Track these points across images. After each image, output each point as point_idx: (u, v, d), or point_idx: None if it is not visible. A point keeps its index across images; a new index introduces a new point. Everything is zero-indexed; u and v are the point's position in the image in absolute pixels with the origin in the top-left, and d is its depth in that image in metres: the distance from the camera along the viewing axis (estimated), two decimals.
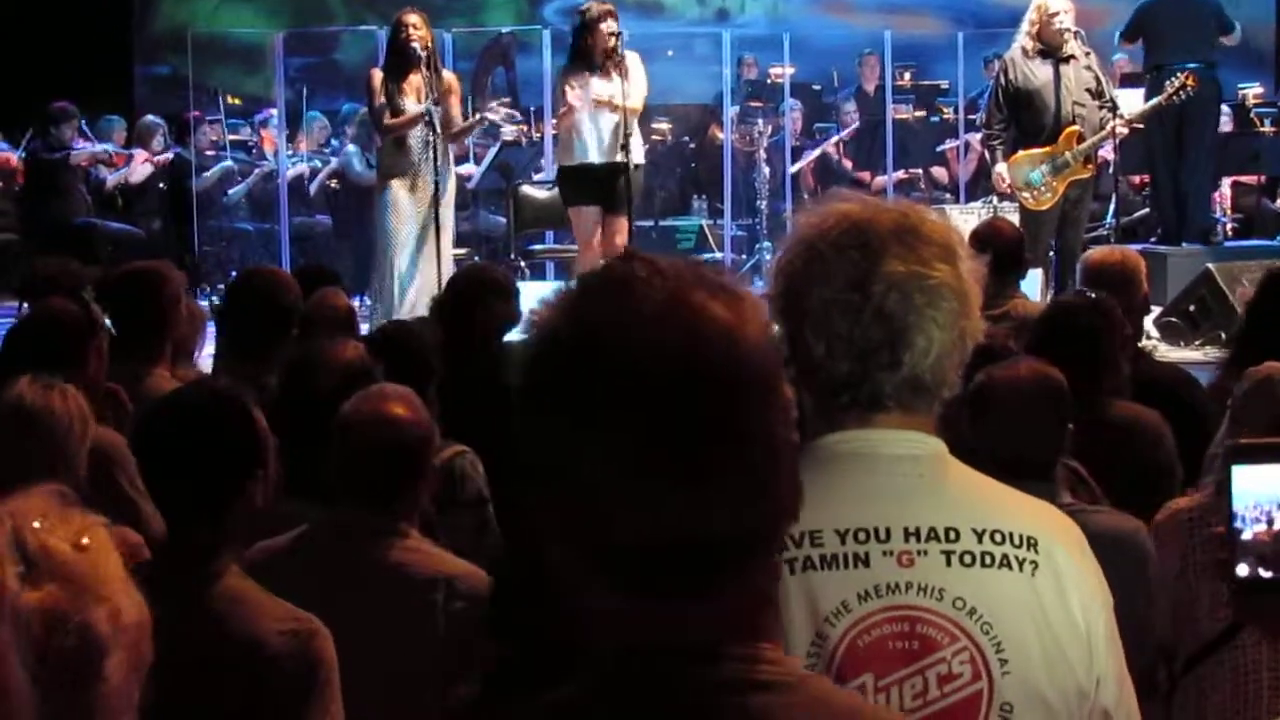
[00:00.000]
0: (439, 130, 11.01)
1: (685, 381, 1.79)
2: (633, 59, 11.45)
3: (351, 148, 15.73)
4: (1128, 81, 14.06)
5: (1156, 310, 11.28)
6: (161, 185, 16.10)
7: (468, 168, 15.56)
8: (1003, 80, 11.52)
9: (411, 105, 11.05)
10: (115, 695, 2.13)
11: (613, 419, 1.79)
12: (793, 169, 16.34)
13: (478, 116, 12.62)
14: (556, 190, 12.08)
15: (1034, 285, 10.24)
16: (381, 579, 4.07)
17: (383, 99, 11.15)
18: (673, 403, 1.78)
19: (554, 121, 11.92)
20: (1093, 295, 6.11)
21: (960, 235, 2.84)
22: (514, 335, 6.32)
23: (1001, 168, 11.31)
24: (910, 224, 2.74)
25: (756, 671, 1.84)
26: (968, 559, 2.68)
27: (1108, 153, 12.88)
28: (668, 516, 1.79)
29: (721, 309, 1.82)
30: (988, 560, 2.69)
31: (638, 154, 11.36)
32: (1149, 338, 9.60)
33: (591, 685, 1.87)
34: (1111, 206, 14.45)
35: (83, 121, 16.00)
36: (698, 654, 1.83)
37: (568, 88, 11.38)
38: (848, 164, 16.83)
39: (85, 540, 2.13)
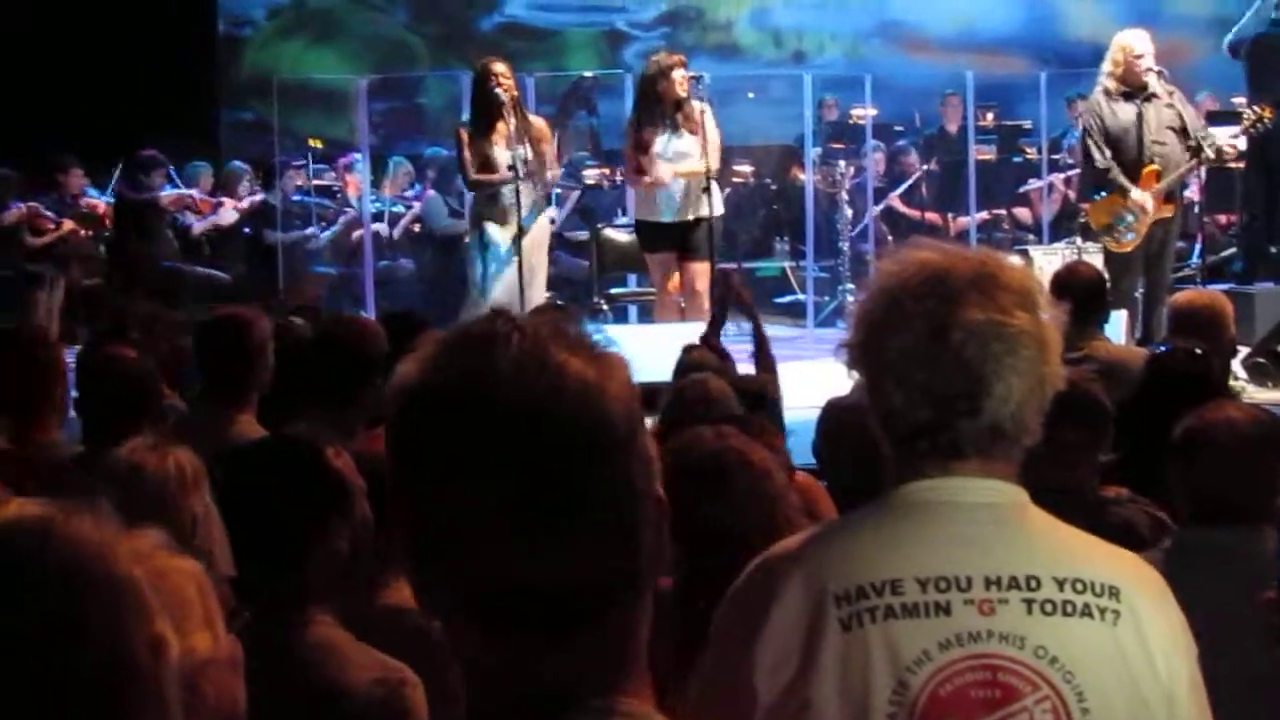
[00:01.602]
0: (525, 177, 11.06)
1: (541, 435, 1.81)
2: (706, 113, 11.41)
3: (432, 193, 15.82)
4: (1213, 120, 13.97)
5: (1244, 351, 11.22)
6: (247, 230, 16.22)
7: (550, 211, 15.63)
8: (1094, 122, 11.49)
9: (500, 153, 11.06)
10: None
11: (469, 470, 1.81)
12: (876, 210, 16.34)
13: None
14: (636, 239, 12.09)
15: (1119, 328, 10.19)
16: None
17: (469, 154, 11.21)
18: (528, 455, 1.81)
19: (632, 178, 11.84)
20: (1195, 350, 6.10)
21: (1040, 282, 2.86)
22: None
23: (1137, 193, 11.23)
24: (989, 272, 2.76)
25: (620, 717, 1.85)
26: (1049, 607, 2.69)
27: (1194, 192, 12.81)
28: (521, 565, 1.80)
29: (581, 364, 1.84)
30: (1069, 609, 2.69)
31: (718, 205, 11.36)
32: (1236, 379, 9.55)
33: None
34: (1197, 246, 14.38)
35: (173, 172, 16.16)
36: (552, 702, 1.83)
37: (643, 151, 11.33)
38: (914, 213, 16.77)
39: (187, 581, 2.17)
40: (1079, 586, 2.70)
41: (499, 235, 11.12)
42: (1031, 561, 2.72)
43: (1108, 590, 2.70)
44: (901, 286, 2.77)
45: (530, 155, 11.09)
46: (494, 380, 1.82)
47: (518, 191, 11.03)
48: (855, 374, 2.87)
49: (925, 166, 16.78)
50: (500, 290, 11.02)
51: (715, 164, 11.43)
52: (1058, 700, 2.65)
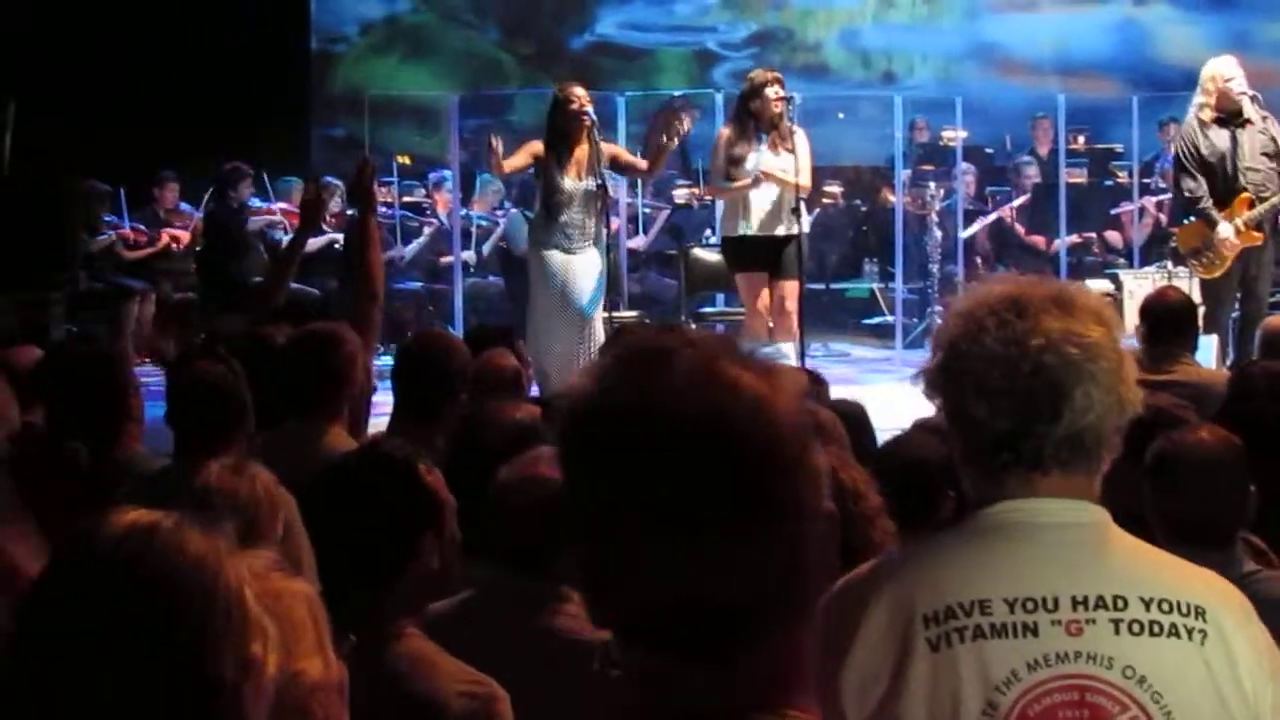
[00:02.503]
0: (611, 194, 11.10)
1: (715, 449, 1.81)
2: (799, 134, 11.41)
3: (515, 211, 15.84)
4: None
5: None
6: (337, 245, 16.29)
7: (638, 240, 15.66)
8: (1189, 149, 11.44)
9: (570, 183, 10.97)
10: None
11: (645, 486, 1.82)
12: (965, 233, 16.31)
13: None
14: (723, 256, 12.08)
15: (1210, 353, 10.14)
16: (544, 645, 4.01)
17: (524, 158, 11.23)
18: (703, 470, 1.80)
19: (720, 188, 11.83)
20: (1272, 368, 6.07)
21: (1114, 310, 2.90)
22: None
23: (1224, 227, 11.19)
24: (1066, 295, 2.81)
25: None
26: (1136, 627, 2.70)
27: None
28: (695, 581, 1.81)
29: (752, 379, 1.85)
30: (1156, 629, 2.70)
31: (806, 225, 11.37)
32: None
33: None
34: None
35: (265, 177, 16.25)
36: (723, 717, 1.84)
37: (734, 164, 11.33)
38: (1020, 229, 16.77)
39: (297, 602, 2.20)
40: (1165, 606, 2.71)
41: (557, 260, 11.09)
42: (1118, 581, 2.73)
43: (1194, 610, 2.71)
44: (980, 305, 2.80)
45: (597, 185, 11.09)
46: (668, 395, 1.84)
47: (592, 215, 11.07)
48: (936, 400, 2.91)
49: (1035, 184, 16.72)
50: (557, 314, 11.04)
51: (807, 182, 11.42)
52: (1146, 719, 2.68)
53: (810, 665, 1.94)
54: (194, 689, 2.03)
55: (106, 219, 16.00)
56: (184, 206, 16.40)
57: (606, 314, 11.33)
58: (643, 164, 11.89)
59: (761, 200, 11.28)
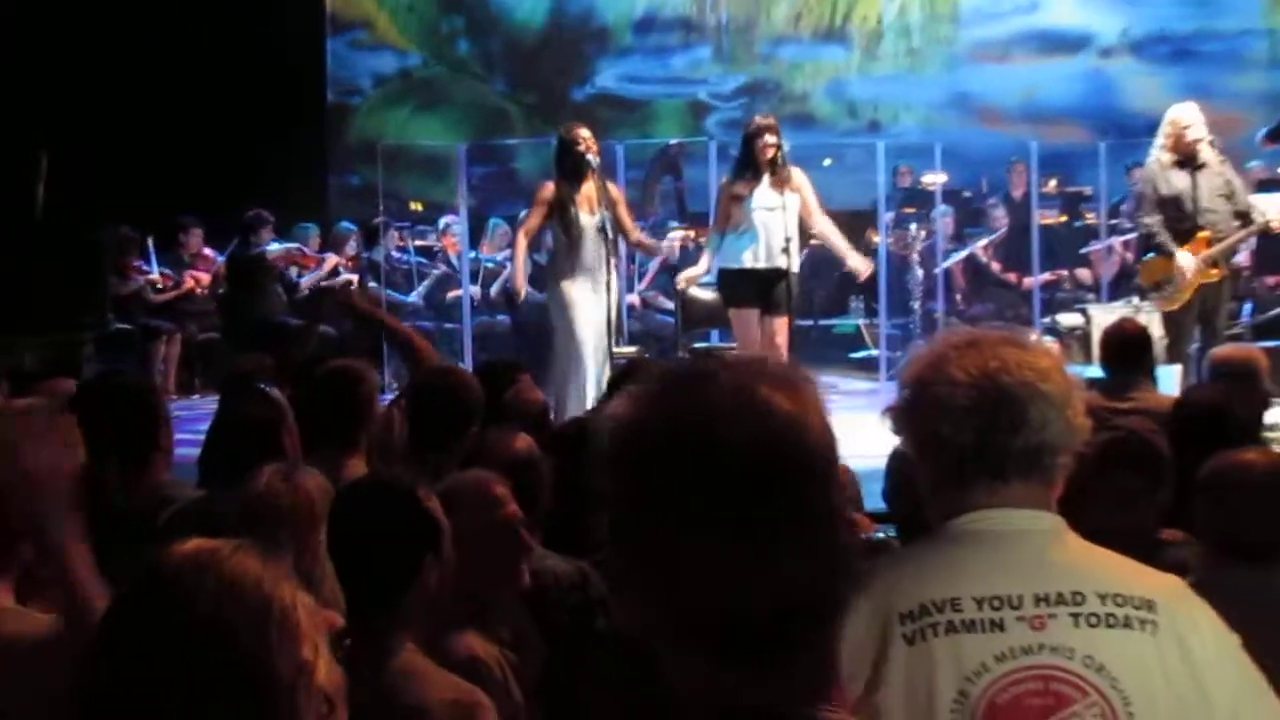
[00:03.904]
0: (611, 236, 11.13)
1: (757, 467, 1.83)
2: (799, 175, 11.47)
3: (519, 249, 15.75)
4: (1264, 186, 13.98)
5: None
6: (353, 288, 16.29)
7: (633, 296, 15.65)
8: (1148, 190, 11.51)
9: (585, 217, 11.04)
10: None
11: (695, 502, 1.83)
12: (941, 267, 16.34)
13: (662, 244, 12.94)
14: (719, 292, 12.11)
15: (1174, 381, 10.19)
16: None
17: (541, 213, 11.26)
18: (748, 486, 1.83)
19: (719, 225, 11.92)
20: (1215, 393, 6.13)
21: (1059, 352, 3.01)
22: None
23: (1181, 256, 11.27)
24: (1018, 334, 2.93)
25: None
26: (1094, 620, 2.75)
27: (1243, 257, 12.80)
28: (747, 590, 1.83)
29: (785, 400, 1.88)
30: (1112, 621, 2.75)
31: (795, 263, 11.41)
32: (1274, 430, 9.52)
33: None
34: (1248, 306, 14.37)
35: (286, 232, 16.27)
36: (771, 716, 1.86)
37: (735, 201, 11.38)
38: (995, 266, 16.82)
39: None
40: (1119, 600, 2.76)
41: (573, 291, 11.16)
42: (1075, 579, 2.79)
43: (1145, 604, 2.76)
44: (943, 344, 2.91)
45: (608, 217, 11.11)
46: (712, 416, 1.85)
47: (604, 249, 11.08)
48: (900, 435, 2.99)
49: (1008, 225, 16.75)
50: (589, 337, 11.03)
51: (817, 223, 11.62)
52: (1106, 705, 2.70)
53: (839, 666, 1.95)
54: (259, 691, 2.10)
55: (135, 264, 16.04)
56: (207, 251, 16.39)
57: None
58: (634, 233, 11.87)
59: (760, 238, 11.29)
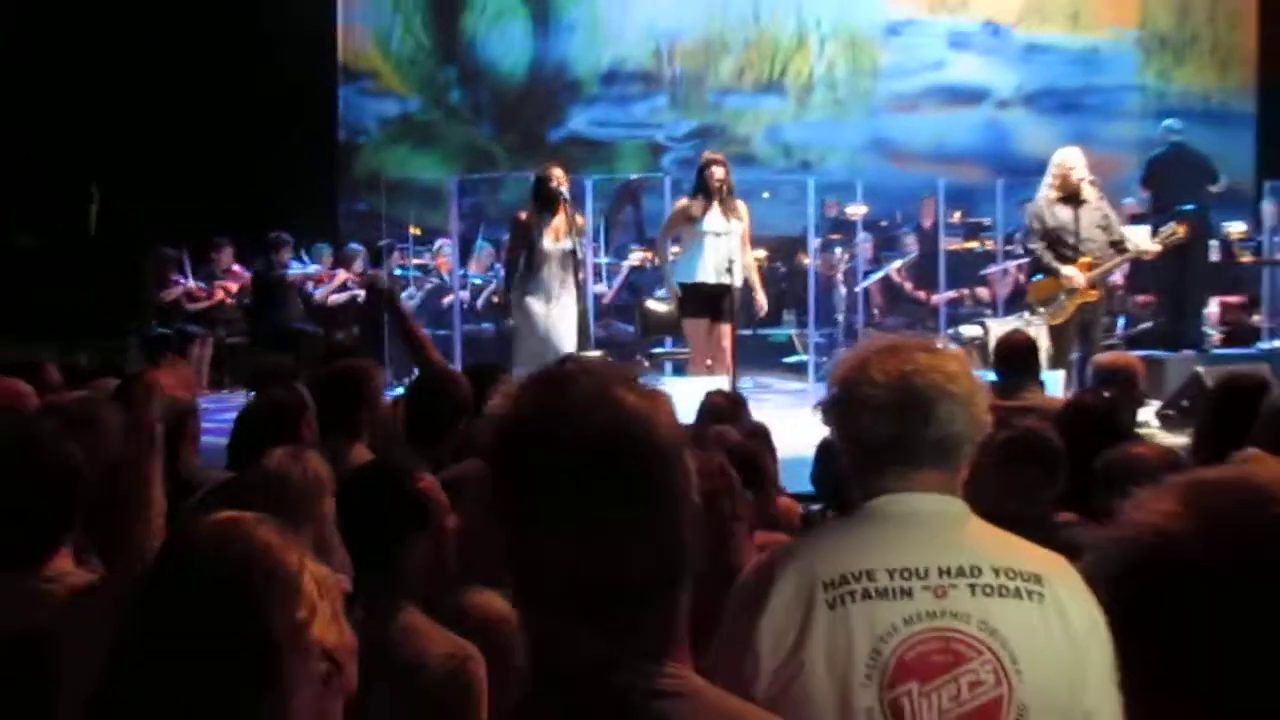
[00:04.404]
0: (580, 254, 11.19)
1: (607, 456, 1.83)
2: (743, 207, 11.52)
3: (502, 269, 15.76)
4: (1136, 219, 14.04)
5: (1157, 404, 11.26)
6: (359, 299, 16.28)
7: (600, 287, 15.65)
8: (1035, 224, 11.55)
9: (550, 244, 11.05)
10: (336, 710, 2.19)
11: (554, 486, 1.83)
12: (861, 285, 16.38)
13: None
14: (673, 305, 12.11)
15: (1058, 385, 10.21)
16: None
17: (521, 237, 11.25)
18: (597, 473, 1.82)
19: (665, 230, 12.02)
20: (1105, 395, 6.15)
21: (966, 358, 3.01)
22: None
23: (1066, 270, 11.31)
24: (930, 342, 2.92)
25: (664, 683, 1.86)
26: (988, 590, 2.74)
27: (1118, 279, 12.86)
28: (600, 563, 1.82)
29: (635, 398, 1.87)
30: (1004, 591, 2.74)
31: (738, 279, 11.44)
32: (1148, 426, 9.56)
33: (536, 691, 1.90)
34: (1121, 321, 14.43)
35: (303, 251, 16.26)
36: (622, 669, 1.85)
37: (686, 221, 11.46)
38: (908, 285, 16.84)
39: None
40: (1010, 574, 2.76)
41: (538, 305, 11.18)
42: (974, 555, 2.78)
43: (1033, 577, 2.76)
44: (865, 349, 2.90)
45: (576, 246, 11.16)
46: (568, 412, 1.85)
47: (568, 271, 11.13)
48: (828, 427, 2.97)
49: (919, 250, 16.77)
50: (537, 355, 10.99)
51: (745, 256, 11.56)
52: (996, 663, 2.70)
53: (684, 627, 1.93)
54: (253, 642, 2.07)
55: (174, 277, 15.99)
56: (236, 267, 16.35)
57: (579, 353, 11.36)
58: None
59: (710, 259, 11.33)
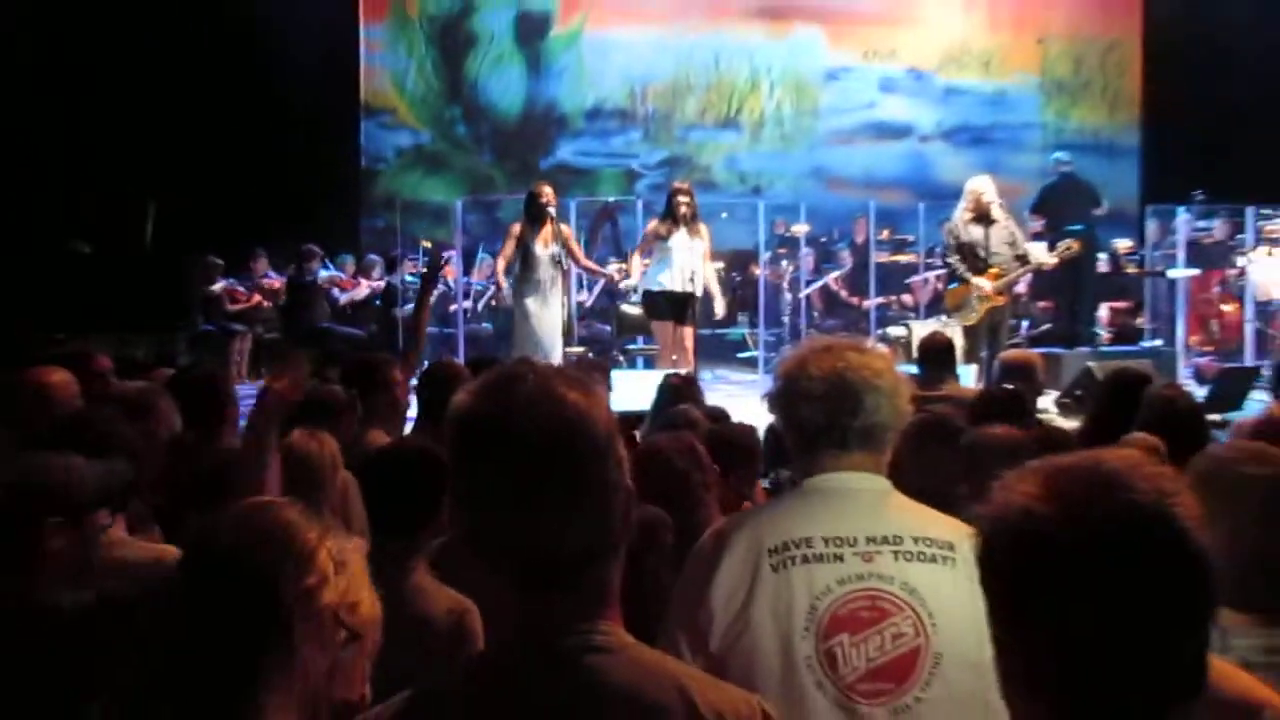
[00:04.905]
0: (565, 265, 11.24)
1: (549, 445, 1.81)
2: (704, 228, 11.58)
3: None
4: (1037, 237, 14.07)
5: (1054, 394, 11.28)
6: (377, 302, 16.24)
7: (583, 294, 15.62)
8: (951, 241, 11.59)
9: (541, 250, 11.15)
10: (361, 667, 2.17)
11: (502, 471, 1.82)
12: (804, 292, 16.40)
13: (606, 270, 13.09)
14: (643, 308, 12.13)
15: (971, 378, 10.23)
16: None
17: (512, 243, 11.31)
18: (537, 461, 1.81)
19: (640, 247, 12.05)
20: (1007, 387, 6.15)
21: (891, 356, 2.99)
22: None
23: (977, 280, 11.30)
24: (860, 343, 2.92)
25: (597, 639, 1.85)
26: (909, 556, 2.75)
27: (1022, 287, 12.88)
28: (535, 537, 1.81)
29: (575, 395, 1.85)
30: (922, 557, 2.75)
31: (699, 288, 11.47)
32: (1047, 413, 9.56)
33: (491, 652, 1.89)
34: (1025, 323, 14.46)
35: (327, 260, 16.22)
36: (561, 629, 1.84)
37: (657, 239, 11.50)
38: (843, 292, 16.84)
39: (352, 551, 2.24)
40: (928, 542, 2.77)
41: (533, 305, 11.19)
42: (897, 526, 2.78)
43: (947, 545, 2.76)
44: (805, 349, 2.91)
45: (561, 250, 11.24)
46: (514, 408, 1.83)
47: (557, 274, 11.20)
48: (773, 414, 2.96)
49: (853, 262, 16.79)
50: (541, 342, 11.10)
51: (705, 269, 11.61)
52: (916, 618, 2.71)
53: (616, 592, 1.91)
54: (266, 604, 2.06)
55: (221, 279, 15.91)
56: (271, 273, 16.30)
57: (564, 349, 11.39)
58: (582, 260, 12.13)
59: (677, 269, 11.35)
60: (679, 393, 6.71)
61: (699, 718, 1.82)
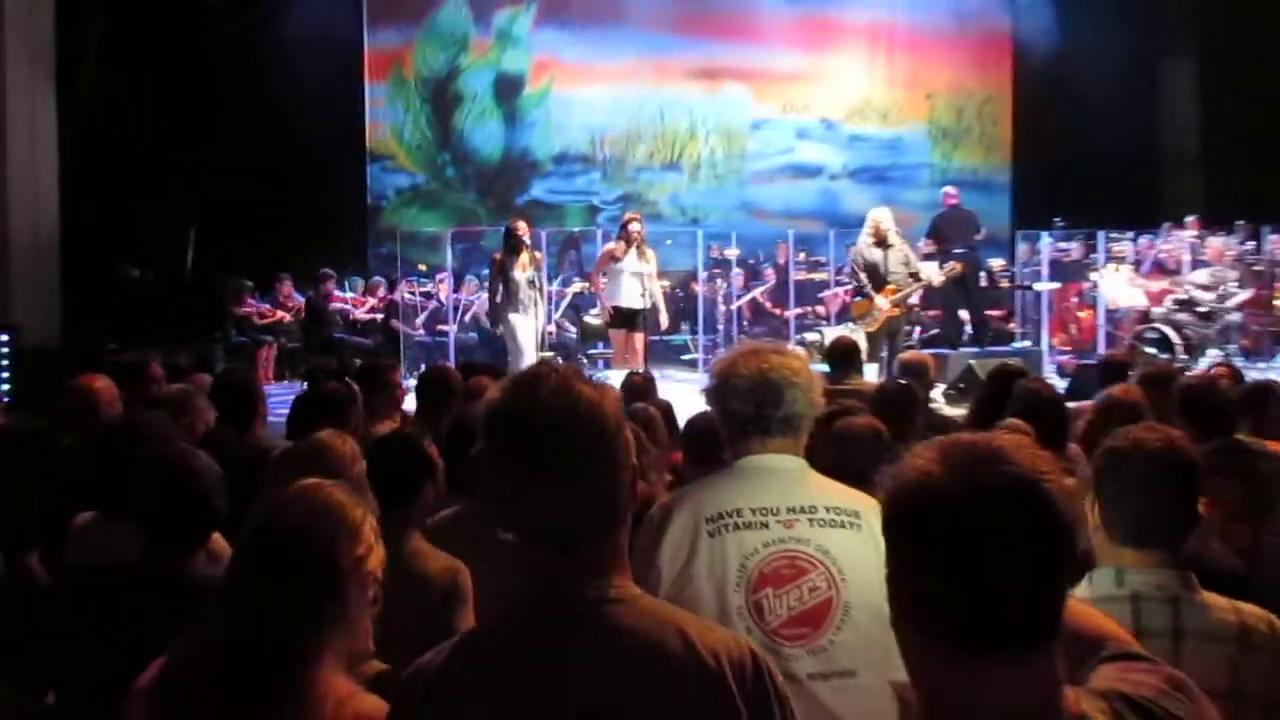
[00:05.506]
0: (538, 285, 11.22)
1: (566, 433, 1.82)
2: (652, 253, 11.56)
3: (484, 295, 15.66)
4: (927, 258, 14.12)
5: (942, 387, 11.34)
6: (381, 317, 16.17)
7: (551, 322, 15.58)
8: (858, 261, 11.62)
9: (519, 275, 11.13)
10: (365, 621, 2.17)
11: (524, 456, 1.82)
12: (735, 305, 16.41)
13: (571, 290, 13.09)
14: (603, 319, 12.12)
15: (872, 375, 10.25)
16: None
17: (498, 272, 11.28)
18: (559, 446, 1.81)
19: (596, 274, 12.03)
20: (902, 382, 6.15)
21: (806, 357, 3.00)
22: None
23: (878, 299, 11.34)
24: (781, 347, 2.93)
25: (610, 593, 1.85)
26: (822, 523, 2.75)
27: (915, 300, 12.92)
28: (558, 509, 1.82)
29: (589, 391, 1.85)
30: (834, 523, 2.75)
31: (648, 302, 11.47)
32: (937, 403, 9.60)
33: (518, 605, 1.87)
34: (917, 330, 14.51)
35: (343, 282, 16.12)
36: (582, 584, 1.84)
37: (613, 261, 11.47)
38: (768, 304, 16.87)
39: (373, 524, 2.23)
40: (838, 511, 2.77)
41: (516, 320, 11.18)
42: (811, 497, 2.79)
43: (854, 513, 2.77)
44: (736, 352, 2.91)
45: (535, 274, 11.27)
46: (538, 400, 1.83)
47: (534, 294, 11.19)
48: (710, 406, 2.97)
49: (775, 280, 16.84)
50: (524, 350, 11.08)
51: (655, 274, 11.61)
52: (829, 574, 2.71)
53: (627, 556, 1.91)
54: (331, 574, 2.07)
55: (248, 300, 15.79)
56: (293, 294, 16.19)
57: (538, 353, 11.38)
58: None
59: (629, 288, 11.34)
60: (637, 391, 6.70)
61: (698, 654, 1.82)
